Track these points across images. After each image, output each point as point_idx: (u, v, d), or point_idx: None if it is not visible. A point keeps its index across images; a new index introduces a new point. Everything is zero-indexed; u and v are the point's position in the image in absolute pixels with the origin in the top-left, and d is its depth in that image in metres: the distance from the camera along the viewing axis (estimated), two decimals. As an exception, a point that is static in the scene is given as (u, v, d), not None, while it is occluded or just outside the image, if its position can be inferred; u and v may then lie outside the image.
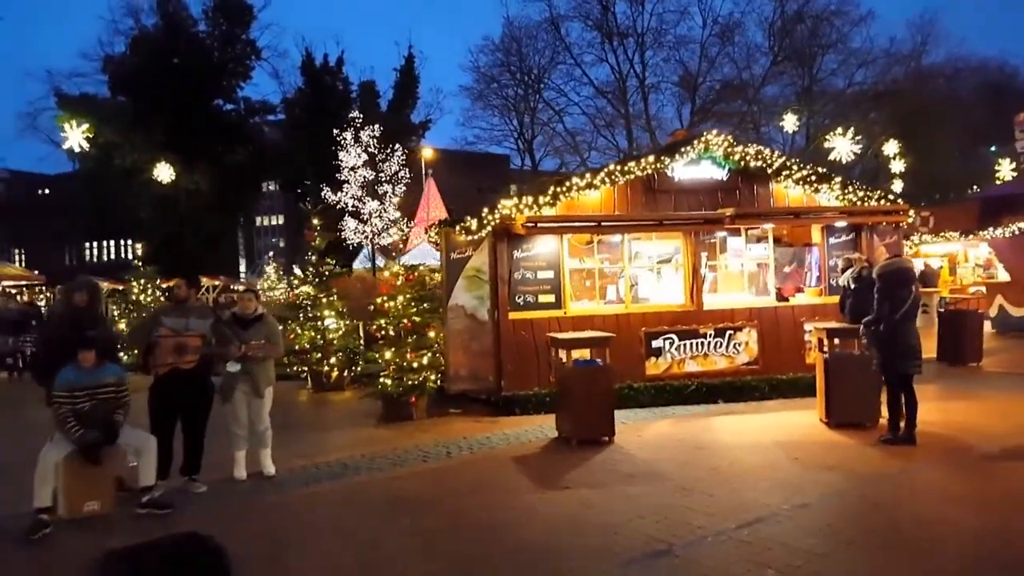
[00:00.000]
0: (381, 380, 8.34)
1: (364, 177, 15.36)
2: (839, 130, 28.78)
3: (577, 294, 9.67)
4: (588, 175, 8.82)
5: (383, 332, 8.53)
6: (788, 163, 9.49)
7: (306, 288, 11.42)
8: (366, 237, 15.31)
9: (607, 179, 8.87)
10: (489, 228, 8.45)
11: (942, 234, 17.51)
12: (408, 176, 16.22)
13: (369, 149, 15.47)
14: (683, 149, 9.18)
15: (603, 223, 8.66)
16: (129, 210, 29.31)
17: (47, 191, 53.81)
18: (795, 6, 34.44)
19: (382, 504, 5.52)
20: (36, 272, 24.42)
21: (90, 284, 5.66)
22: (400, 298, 8.40)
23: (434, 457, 6.92)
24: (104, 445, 4.87)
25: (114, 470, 5.08)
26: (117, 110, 29.65)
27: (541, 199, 8.54)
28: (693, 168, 9.48)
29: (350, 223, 15.35)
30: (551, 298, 9.00)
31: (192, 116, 29.17)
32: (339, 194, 15.19)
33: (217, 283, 24.41)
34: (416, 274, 8.72)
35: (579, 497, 5.55)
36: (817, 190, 9.66)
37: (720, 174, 9.56)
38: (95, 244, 50.84)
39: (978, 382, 10.37)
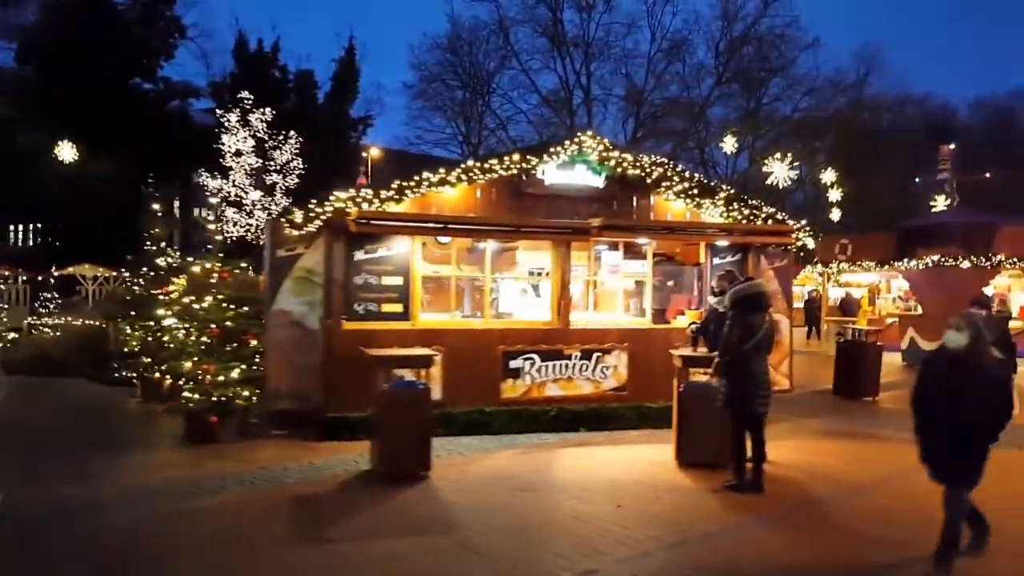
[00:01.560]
0: (184, 395, 7.22)
1: (249, 165, 14.16)
2: (777, 155, 28.74)
3: (432, 305, 8.73)
4: (443, 170, 7.88)
5: (192, 338, 7.41)
6: (668, 173, 8.72)
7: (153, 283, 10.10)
8: (248, 230, 14.09)
9: (465, 176, 7.95)
10: (319, 223, 7.42)
11: (859, 263, 17.17)
12: (302, 167, 15.07)
13: (258, 134, 14.28)
14: (553, 150, 8.33)
15: (450, 225, 7.70)
16: (29, 193, 27.18)
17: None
18: (742, 27, 34.47)
19: (63, 564, 4.42)
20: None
21: None
22: (209, 299, 7.31)
23: (204, 493, 5.81)
24: None
25: None
26: (17, 82, 27.60)
27: (383, 193, 7.56)
28: (567, 173, 8.63)
29: (230, 214, 14.12)
30: (398, 308, 7.99)
31: (105, 93, 27.26)
32: (219, 181, 13.95)
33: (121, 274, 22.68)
34: (234, 271, 7.62)
35: (334, 556, 4.57)
36: (699, 205, 8.92)
37: (597, 181, 8.74)
38: (14, 228, 47.25)
39: (864, 419, 9.76)
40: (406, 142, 36.57)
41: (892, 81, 38.84)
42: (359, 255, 7.82)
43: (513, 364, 8.33)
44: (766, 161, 29.71)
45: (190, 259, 8.43)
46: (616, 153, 8.57)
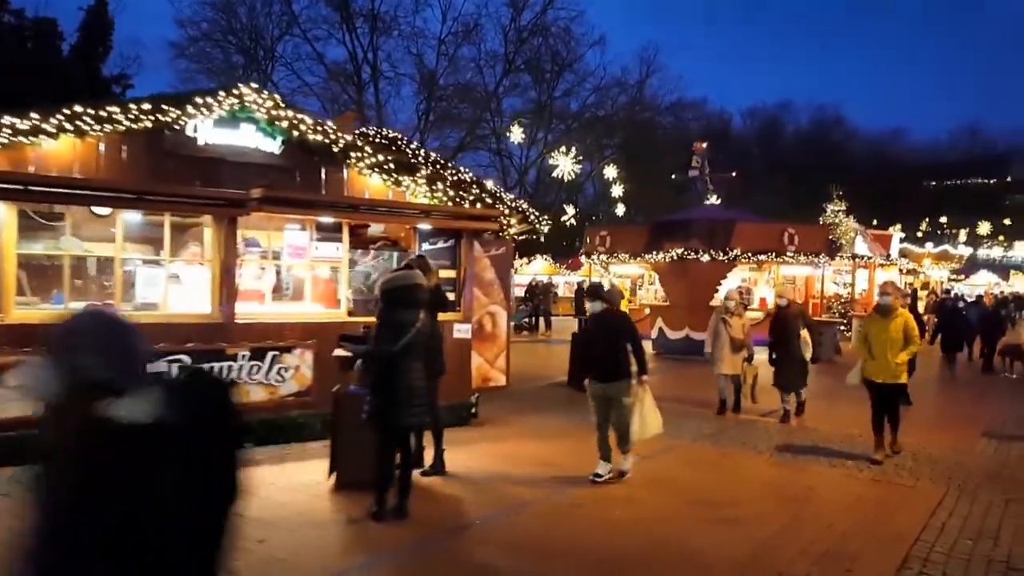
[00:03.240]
0: None
1: None
2: (563, 148, 29.23)
3: (45, 292, 6.76)
4: (36, 115, 5.93)
5: None
6: (360, 143, 7.50)
7: None
8: None
9: (70, 125, 6.07)
10: None
11: (615, 255, 17.48)
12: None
13: None
14: (202, 102, 6.70)
15: (30, 187, 5.80)
16: None
17: None
18: (530, 15, 34.60)
19: None
20: None
21: None
22: None
23: None
24: None
25: None
26: None
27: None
28: (230, 132, 7.08)
29: None
30: (-26, 298, 5.97)
31: None
32: None
33: None
34: None
35: None
36: (398, 182, 7.82)
37: (271, 146, 7.29)
38: None
39: (581, 412, 9.32)
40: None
41: (671, 85, 41.57)
42: (-93, 226, 5.68)
43: (153, 369, 6.63)
44: (552, 154, 30.22)
45: None
46: (290, 113, 7.16)
